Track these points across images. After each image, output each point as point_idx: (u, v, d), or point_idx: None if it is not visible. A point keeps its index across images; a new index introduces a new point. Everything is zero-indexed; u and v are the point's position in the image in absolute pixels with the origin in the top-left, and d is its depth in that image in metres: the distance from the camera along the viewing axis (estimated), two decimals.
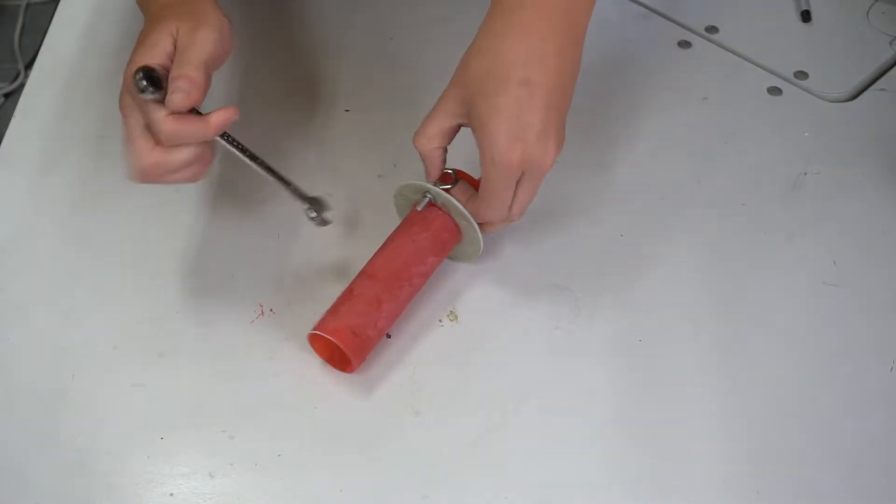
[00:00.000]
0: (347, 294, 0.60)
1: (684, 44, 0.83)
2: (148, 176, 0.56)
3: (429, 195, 0.62)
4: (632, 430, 0.59)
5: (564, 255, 0.67)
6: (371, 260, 0.62)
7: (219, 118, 0.55)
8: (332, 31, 0.84)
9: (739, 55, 0.82)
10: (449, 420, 0.59)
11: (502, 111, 0.55)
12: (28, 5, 1.87)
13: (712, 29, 0.84)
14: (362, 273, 0.61)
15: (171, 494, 0.56)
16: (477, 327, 0.64)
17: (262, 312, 0.65)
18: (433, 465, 0.57)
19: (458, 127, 0.60)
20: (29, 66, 1.74)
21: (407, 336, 0.63)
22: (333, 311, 0.60)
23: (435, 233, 0.62)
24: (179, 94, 0.53)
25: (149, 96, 0.53)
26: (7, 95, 1.73)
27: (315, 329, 0.59)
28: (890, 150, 0.74)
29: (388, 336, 0.63)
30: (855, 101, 0.78)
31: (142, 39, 0.57)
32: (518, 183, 0.58)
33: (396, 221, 0.68)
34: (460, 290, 0.66)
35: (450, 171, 0.63)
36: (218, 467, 0.57)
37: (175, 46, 0.55)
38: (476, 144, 0.57)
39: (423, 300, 0.65)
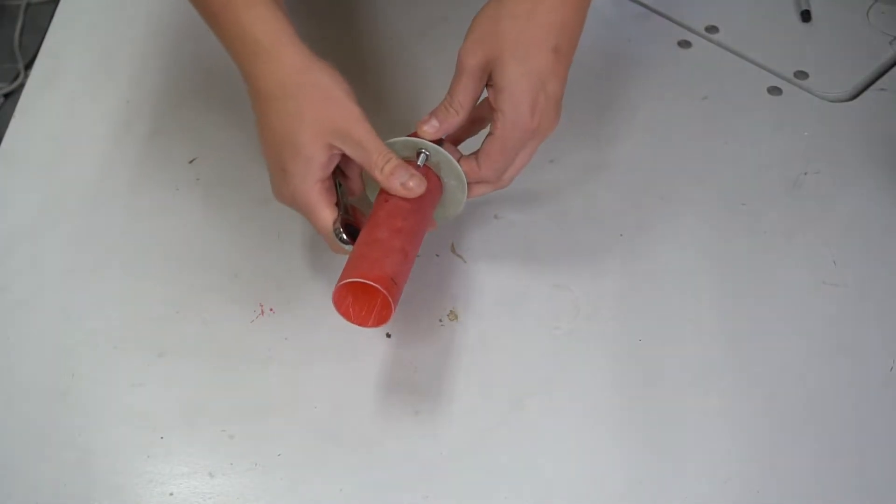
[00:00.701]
0: (373, 242, 0.57)
1: (684, 44, 0.83)
2: None
3: (425, 151, 0.60)
4: (632, 430, 0.59)
5: (564, 255, 0.67)
6: (380, 211, 0.59)
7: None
8: (331, 31, 0.84)
9: (739, 55, 0.82)
10: (449, 420, 0.59)
11: (533, 76, 0.57)
12: (28, 5, 1.87)
13: (712, 29, 0.84)
14: (380, 224, 0.58)
15: (171, 494, 0.56)
16: (477, 327, 0.64)
17: (262, 312, 0.65)
18: (433, 465, 0.57)
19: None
20: (29, 66, 1.74)
21: (407, 336, 0.63)
22: (370, 258, 0.56)
23: (430, 189, 0.61)
24: (417, 180, 0.58)
25: (347, 248, 0.58)
26: (7, 95, 1.73)
27: (356, 276, 0.54)
28: (890, 149, 0.74)
29: (388, 336, 0.63)
30: (855, 101, 0.78)
31: (281, 139, 0.57)
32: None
33: None
34: (460, 290, 0.66)
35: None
36: (218, 467, 0.57)
37: (334, 149, 0.58)
38: (493, 105, 0.58)
39: (423, 300, 0.65)
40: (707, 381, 0.61)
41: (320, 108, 0.57)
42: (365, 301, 0.57)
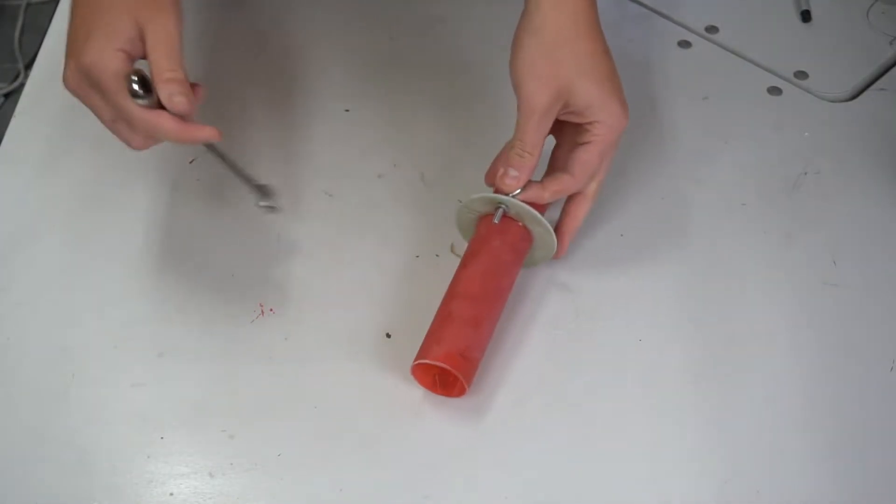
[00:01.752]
0: (446, 317, 0.59)
1: (684, 44, 0.83)
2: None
3: (502, 206, 0.61)
4: (632, 430, 0.59)
5: (564, 255, 0.67)
6: (460, 279, 0.61)
7: (210, 133, 0.56)
8: (332, 32, 0.84)
9: (739, 55, 0.82)
10: (449, 420, 0.59)
11: (607, 81, 0.59)
12: (28, 5, 1.87)
13: (712, 29, 0.84)
14: (456, 294, 0.60)
15: (171, 494, 0.56)
16: None
17: (262, 312, 0.65)
18: (433, 465, 0.57)
19: None
20: (29, 66, 1.74)
21: (407, 336, 0.63)
22: (436, 336, 0.58)
23: (512, 244, 0.62)
24: (182, 99, 0.54)
25: (141, 101, 0.54)
26: (7, 95, 1.73)
27: (422, 358, 0.57)
28: (890, 150, 0.74)
29: (388, 336, 0.63)
30: (855, 101, 0.78)
31: (93, 18, 0.56)
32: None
33: (396, 219, 0.68)
34: None
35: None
36: (218, 467, 0.57)
37: (140, 36, 0.55)
38: (583, 122, 0.59)
39: (423, 300, 0.65)
40: (707, 381, 0.61)
41: None
42: (442, 374, 0.59)
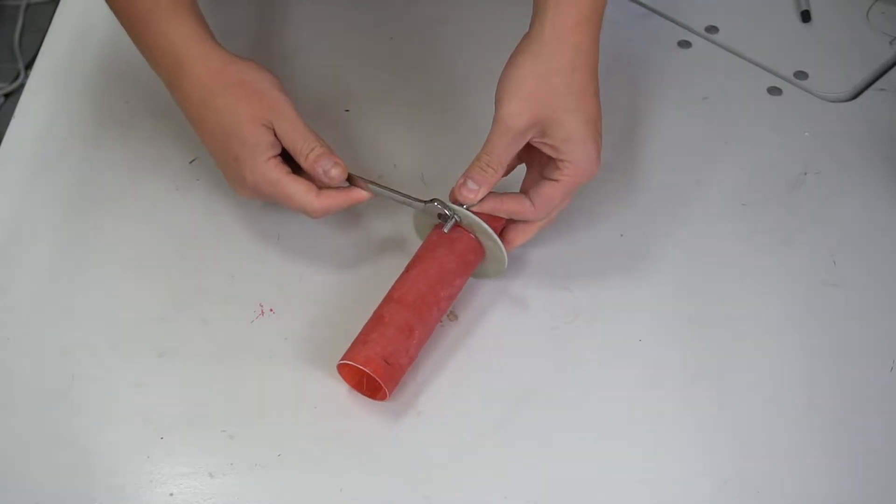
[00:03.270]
0: (377, 320, 0.59)
1: (684, 44, 0.83)
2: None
3: (455, 216, 0.61)
4: (632, 430, 0.59)
5: (564, 255, 0.67)
6: (398, 284, 0.61)
7: (360, 196, 0.62)
8: (332, 32, 0.84)
9: (739, 55, 0.82)
10: (449, 420, 0.59)
11: (591, 124, 0.59)
12: (28, 5, 1.87)
13: (712, 29, 0.84)
14: (390, 298, 0.60)
15: (171, 494, 0.56)
16: (477, 327, 0.64)
17: (262, 312, 0.65)
18: (433, 465, 0.57)
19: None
20: (29, 66, 1.74)
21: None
22: (363, 338, 0.59)
23: (461, 254, 0.61)
24: (337, 172, 0.60)
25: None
26: (7, 95, 1.73)
27: (345, 358, 0.58)
28: (890, 150, 0.74)
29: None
30: (855, 101, 0.78)
31: (227, 139, 0.60)
32: None
33: (396, 219, 0.68)
34: (461, 291, 0.65)
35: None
36: (218, 467, 0.57)
37: (274, 133, 0.60)
38: (556, 157, 0.59)
39: None
40: (707, 381, 0.61)
41: (252, 100, 0.60)
42: (366, 377, 0.59)
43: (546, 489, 0.56)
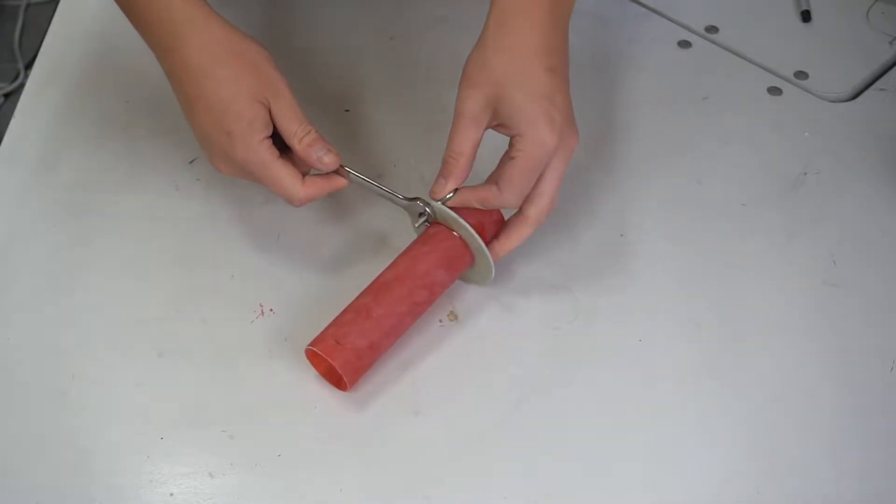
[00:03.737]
0: (350, 312, 0.60)
1: (684, 44, 0.83)
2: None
3: (428, 210, 0.61)
4: (632, 430, 0.59)
5: (564, 255, 0.67)
6: (378, 279, 0.61)
7: (341, 183, 0.62)
8: (332, 31, 0.84)
9: (739, 55, 0.82)
10: (449, 420, 0.59)
11: (539, 97, 0.58)
12: (28, 5, 1.87)
13: (712, 29, 0.84)
14: (367, 291, 0.60)
15: (171, 494, 0.56)
16: (477, 327, 0.64)
17: (262, 312, 0.65)
18: (433, 465, 0.57)
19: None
20: (29, 66, 1.75)
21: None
22: (334, 328, 0.59)
23: (435, 243, 0.61)
24: (332, 158, 0.60)
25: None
26: (7, 95, 1.73)
27: (312, 345, 0.58)
28: (890, 150, 0.74)
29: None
30: (855, 101, 0.78)
31: (223, 113, 0.58)
32: (544, 171, 0.59)
33: (395, 219, 0.68)
34: (460, 291, 0.66)
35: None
36: (218, 467, 0.57)
37: (269, 114, 0.59)
38: (510, 135, 0.59)
39: None
40: (707, 381, 0.61)
41: (253, 75, 0.60)
42: (332, 366, 0.59)
43: (546, 489, 0.56)
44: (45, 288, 0.66)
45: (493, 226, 0.63)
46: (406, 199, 0.62)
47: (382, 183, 0.63)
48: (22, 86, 0.84)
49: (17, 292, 0.66)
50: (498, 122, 0.59)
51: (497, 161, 0.61)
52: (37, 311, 0.65)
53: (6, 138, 0.76)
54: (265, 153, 0.59)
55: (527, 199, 0.60)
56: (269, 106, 0.59)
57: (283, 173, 0.59)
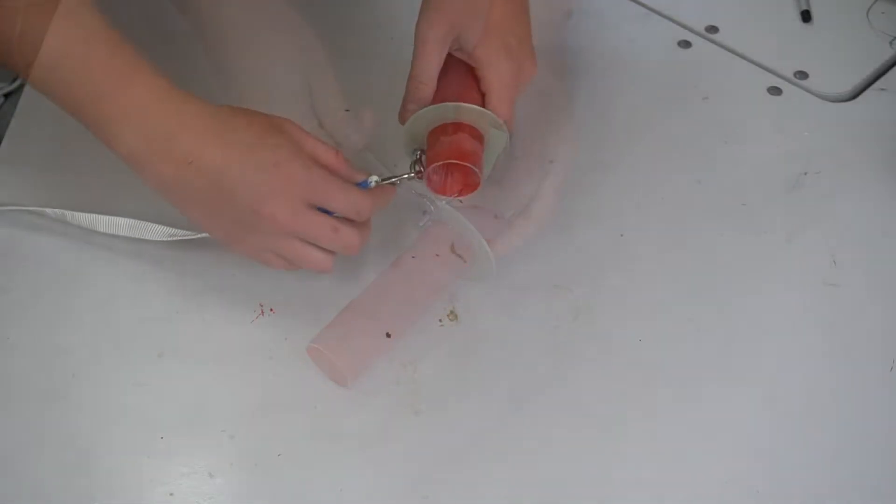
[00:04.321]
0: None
1: (684, 44, 0.83)
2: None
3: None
4: (632, 430, 0.59)
5: (564, 255, 0.67)
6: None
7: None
8: (332, 31, 0.84)
9: (739, 55, 0.82)
10: (449, 420, 0.59)
11: (498, 23, 0.62)
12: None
13: (712, 29, 0.84)
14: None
15: (171, 494, 0.56)
16: (477, 327, 0.64)
17: (262, 312, 0.65)
18: (433, 465, 0.57)
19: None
20: None
21: (407, 336, 0.63)
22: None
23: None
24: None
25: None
26: (7, 95, 1.73)
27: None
28: (890, 150, 0.74)
29: (388, 335, 0.63)
30: (855, 101, 0.78)
31: (264, 127, 0.58)
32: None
33: (395, 219, 0.68)
34: (460, 290, 0.66)
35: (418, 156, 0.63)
36: (218, 467, 0.57)
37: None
38: (469, 62, 0.62)
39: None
40: (707, 381, 0.61)
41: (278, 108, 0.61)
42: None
43: (546, 489, 0.56)
44: (46, 288, 0.66)
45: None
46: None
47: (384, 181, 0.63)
48: (22, 86, 0.84)
49: (17, 292, 0.66)
50: (457, 47, 0.62)
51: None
52: (37, 310, 0.65)
53: (6, 138, 0.76)
54: (321, 150, 0.59)
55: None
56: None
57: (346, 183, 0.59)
